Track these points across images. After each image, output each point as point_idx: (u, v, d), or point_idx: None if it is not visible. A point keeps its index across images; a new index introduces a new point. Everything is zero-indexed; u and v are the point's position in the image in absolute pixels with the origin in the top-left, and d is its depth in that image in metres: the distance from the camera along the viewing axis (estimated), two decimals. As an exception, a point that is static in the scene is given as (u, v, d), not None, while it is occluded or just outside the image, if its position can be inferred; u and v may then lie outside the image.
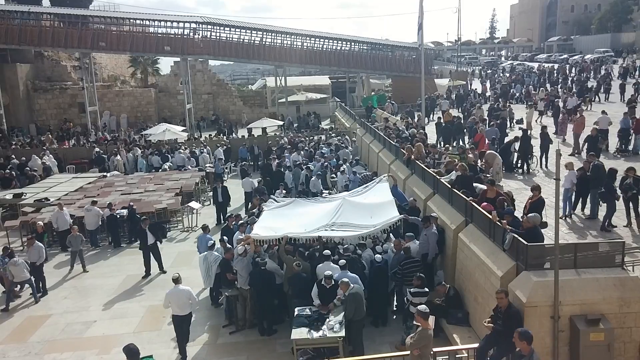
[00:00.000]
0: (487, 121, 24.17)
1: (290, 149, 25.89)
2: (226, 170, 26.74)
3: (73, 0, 52.73)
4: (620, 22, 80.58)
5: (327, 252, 11.30)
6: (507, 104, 28.32)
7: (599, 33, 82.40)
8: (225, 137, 34.33)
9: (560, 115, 22.90)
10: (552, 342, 8.15)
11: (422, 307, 7.94)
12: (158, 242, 15.35)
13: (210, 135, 34.63)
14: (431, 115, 32.28)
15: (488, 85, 44.59)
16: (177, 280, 10.62)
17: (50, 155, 27.95)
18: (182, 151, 27.59)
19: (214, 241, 13.02)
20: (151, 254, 15.08)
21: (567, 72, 47.40)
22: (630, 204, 12.07)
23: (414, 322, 7.97)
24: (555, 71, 46.68)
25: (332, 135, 29.75)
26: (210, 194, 24.17)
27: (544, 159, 17.81)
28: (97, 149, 29.09)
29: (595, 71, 45.41)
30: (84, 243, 16.12)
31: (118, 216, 17.65)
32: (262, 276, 11.12)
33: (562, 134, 21.47)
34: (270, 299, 11.31)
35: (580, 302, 8.20)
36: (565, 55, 68.62)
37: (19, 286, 13.90)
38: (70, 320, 12.55)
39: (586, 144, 17.65)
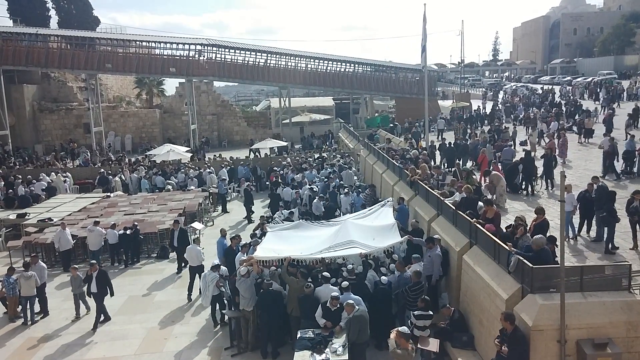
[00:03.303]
0: (495, 140, 24.05)
1: (293, 169, 25.91)
2: (229, 190, 26.76)
3: (80, 23, 53.74)
4: (623, 44, 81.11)
5: (326, 274, 11.16)
6: (513, 126, 28.24)
7: (602, 55, 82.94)
8: (197, 158, 34.14)
9: (561, 137, 22.84)
10: (559, 367, 8.01)
11: (402, 328, 7.85)
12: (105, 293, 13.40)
13: (214, 155, 34.77)
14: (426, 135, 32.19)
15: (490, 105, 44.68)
16: (195, 241, 15.37)
17: (60, 174, 28.11)
18: (185, 171, 27.72)
19: (219, 263, 12.90)
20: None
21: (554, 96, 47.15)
22: (637, 227, 11.97)
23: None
24: (555, 94, 46.74)
25: (336, 155, 29.79)
26: (214, 213, 24.25)
27: (549, 181, 17.76)
28: (101, 170, 29.20)
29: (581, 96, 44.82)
30: (82, 287, 13.70)
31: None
32: (272, 297, 10.95)
33: (562, 156, 21.39)
34: (278, 320, 11.11)
35: (587, 326, 8.07)
36: (569, 77, 68.98)
37: (20, 306, 13.81)
38: (71, 342, 12.42)
39: None
